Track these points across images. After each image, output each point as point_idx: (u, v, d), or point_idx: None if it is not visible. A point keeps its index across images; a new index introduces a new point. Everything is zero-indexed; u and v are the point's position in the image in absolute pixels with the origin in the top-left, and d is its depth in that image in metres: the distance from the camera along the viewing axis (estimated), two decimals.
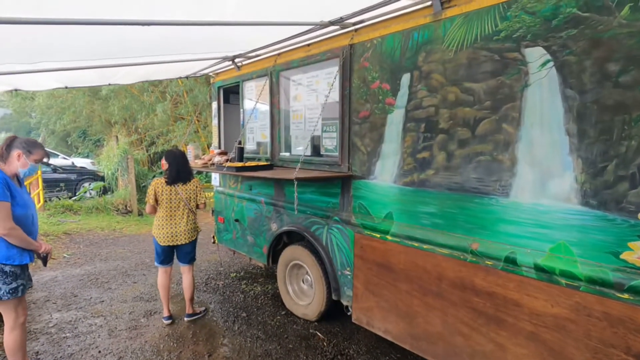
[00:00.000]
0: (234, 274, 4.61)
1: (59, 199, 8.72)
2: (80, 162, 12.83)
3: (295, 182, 2.46)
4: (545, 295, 1.80)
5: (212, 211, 4.65)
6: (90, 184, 10.01)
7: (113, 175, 10.01)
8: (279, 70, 3.39)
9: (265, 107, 3.60)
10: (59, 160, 12.09)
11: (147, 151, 12.06)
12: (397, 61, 2.39)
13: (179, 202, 3.20)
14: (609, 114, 1.60)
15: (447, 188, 2.19)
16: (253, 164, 3.27)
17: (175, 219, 3.20)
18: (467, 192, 2.10)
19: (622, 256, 1.59)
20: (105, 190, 9.91)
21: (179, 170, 3.18)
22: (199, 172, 9.40)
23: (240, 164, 3.19)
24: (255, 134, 3.81)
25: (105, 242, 6.32)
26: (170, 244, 3.21)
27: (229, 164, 3.20)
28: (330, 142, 2.94)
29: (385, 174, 2.53)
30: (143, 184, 10.06)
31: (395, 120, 2.44)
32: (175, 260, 3.40)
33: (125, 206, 8.82)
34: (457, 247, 2.15)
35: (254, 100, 3.72)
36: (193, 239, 3.27)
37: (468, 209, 2.10)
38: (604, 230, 1.63)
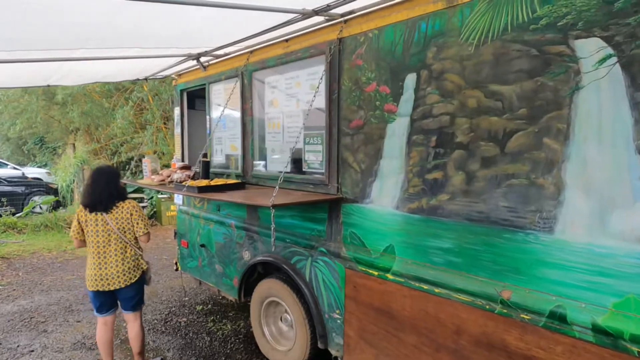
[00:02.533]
0: (200, 307, 3.97)
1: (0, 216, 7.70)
2: (34, 172, 11.65)
3: (273, 210, 1.93)
4: None
5: (175, 233, 4.01)
6: (39, 198, 8.98)
7: (68, 187, 9.06)
8: (251, 71, 2.86)
9: (235, 114, 3.05)
10: (7, 171, 10.90)
11: (110, 160, 11.16)
12: (400, 58, 1.93)
13: (109, 235, 2.52)
14: None
15: (466, 218, 1.72)
16: (220, 182, 2.70)
17: (105, 257, 2.52)
18: (494, 225, 1.64)
19: None
20: (58, 205, 8.93)
21: (98, 193, 2.48)
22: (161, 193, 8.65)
23: (204, 182, 2.62)
24: (224, 145, 3.25)
25: (52, 267, 5.49)
26: (100, 289, 2.53)
27: (190, 182, 2.62)
28: (314, 157, 2.43)
29: (385, 197, 2.04)
30: None
31: (397, 132, 1.97)
32: None
33: None
34: (481, 294, 1.68)
35: (223, 105, 3.17)
36: (133, 280, 2.57)
37: (496, 246, 1.64)
38: None
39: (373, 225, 2.12)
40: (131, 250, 2.59)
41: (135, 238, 2.62)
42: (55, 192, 9.22)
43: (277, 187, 2.03)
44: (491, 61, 1.61)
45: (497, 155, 1.61)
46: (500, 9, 1.57)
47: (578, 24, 1.38)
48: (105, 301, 2.62)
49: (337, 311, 2.34)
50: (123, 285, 2.55)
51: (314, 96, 2.26)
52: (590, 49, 1.36)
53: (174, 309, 3.94)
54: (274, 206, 1.89)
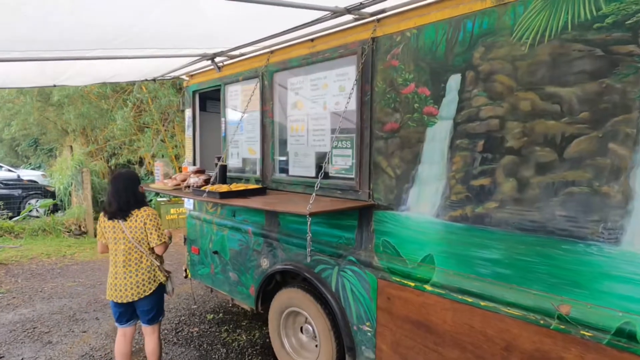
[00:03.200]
0: (211, 315, 3.83)
1: None
2: (29, 174, 11.40)
3: (309, 219, 1.82)
4: None
5: (185, 239, 3.88)
6: (37, 201, 8.75)
7: (66, 190, 8.83)
8: (272, 71, 2.75)
9: (254, 116, 2.94)
10: (3, 173, 10.65)
11: (107, 162, 10.95)
12: (442, 59, 1.83)
13: (125, 244, 2.40)
14: None
15: (518, 227, 1.63)
16: (241, 187, 2.58)
17: (120, 267, 2.41)
18: (550, 235, 1.54)
19: None
20: (56, 208, 8.71)
21: (116, 199, 2.37)
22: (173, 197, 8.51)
23: (224, 188, 2.50)
24: (241, 148, 3.13)
25: (51, 273, 5.31)
26: (115, 300, 2.42)
27: (210, 187, 2.50)
28: (343, 161, 2.33)
29: (423, 204, 1.94)
30: (102, 199, 8.95)
31: (438, 135, 1.87)
32: None
33: (79, 226, 7.73)
34: (535, 309, 1.58)
35: (240, 107, 3.06)
36: (147, 293, 2.44)
37: (552, 258, 1.54)
38: None
39: (409, 233, 2.01)
40: (147, 261, 2.46)
41: (148, 249, 2.48)
42: (52, 195, 9.00)
43: (314, 194, 1.91)
44: (548, 62, 1.51)
45: (554, 161, 1.52)
46: (559, 7, 1.48)
47: None
48: (124, 311, 2.50)
49: (368, 323, 2.23)
50: (136, 298, 2.42)
51: (346, 98, 2.15)
52: None
53: (183, 317, 3.80)
54: (312, 214, 1.78)
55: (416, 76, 1.93)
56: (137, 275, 2.42)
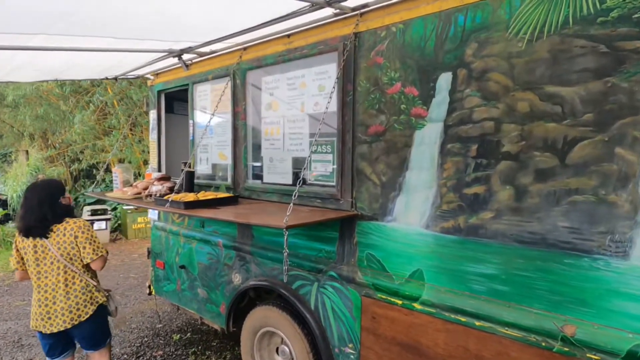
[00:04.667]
0: (178, 336, 3.51)
1: None
2: None
3: (286, 233, 1.60)
4: None
5: (148, 252, 3.55)
6: None
7: (20, 198, 8.14)
8: (245, 69, 2.53)
9: (225, 118, 2.70)
10: None
11: (68, 168, 10.25)
12: (431, 56, 1.68)
13: (52, 264, 2.08)
14: None
15: (516, 240, 1.49)
16: (210, 195, 2.33)
17: (48, 292, 2.09)
18: (552, 248, 1.41)
19: None
20: (7, 218, 7.99)
21: (30, 214, 2.05)
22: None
23: (191, 197, 2.24)
24: (211, 153, 2.87)
25: None
26: (42, 330, 2.09)
27: (173, 196, 2.23)
28: (323, 167, 2.13)
29: (411, 214, 1.78)
30: None
31: (427, 139, 1.71)
32: None
33: None
34: (536, 330, 1.44)
35: (210, 108, 2.81)
36: (84, 318, 2.13)
37: (555, 273, 1.40)
38: None
39: (396, 246, 1.84)
40: (81, 281, 2.14)
41: (87, 265, 2.17)
42: (4, 204, 8.26)
43: (291, 204, 1.70)
44: (548, 59, 1.39)
45: (555, 167, 1.39)
46: (559, 0, 1.36)
47: None
48: (56, 342, 2.17)
49: (350, 345, 2.03)
50: (69, 326, 2.10)
51: (328, 98, 1.97)
52: None
53: (146, 339, 3.46)
54: (289, 227, 1.57)
55: (403, 75, 1.78)
56: (69, 299, 2.10)
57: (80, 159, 10.08)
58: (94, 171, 10.12)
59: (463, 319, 1.62)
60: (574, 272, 1.37)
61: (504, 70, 1.49)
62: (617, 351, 1.28)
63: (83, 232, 2.11)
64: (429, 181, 1.71)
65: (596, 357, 1.32)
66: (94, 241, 2.15)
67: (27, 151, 9.61)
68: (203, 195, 2.30)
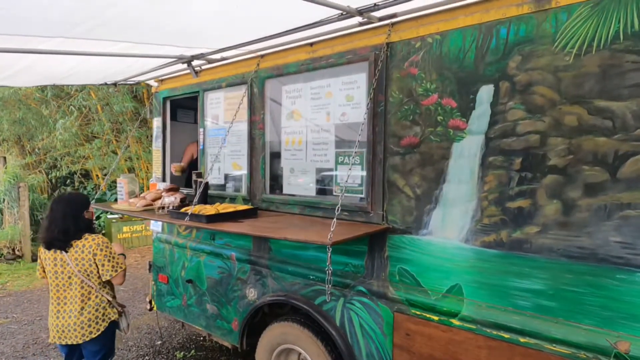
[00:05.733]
0: (181, 353, 3.34)
1: None
2: None
3: (329, 250, 1.53)
4: None
5: (150, 266, 3.38)
6: None
7: None
8: (264, 78, 2.46)
9: (240, 127, 2.61)
10: None
11: (47, 175, 9.80)
12: (471, 68, 1.67)
13: (70, 278, 2.09)
14: None
15: (564, 255, 1.47)
16: (230, 207, 2.23)
17: (63, 305, 2.11)
18: (603, 263, 1.39)
19: None
20: None
21: (53, 227, 2.06)
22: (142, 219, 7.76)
23: (210, 209, 2.13)
24: (224, 163, 2.77)
25: None
26: (58, 342, 2.11)
27: (192, 209, 2.12)
28: (351, 179, 2.08)
29: (449, 228, 1.74)
30: (41, 217, 7.90)
31: (466, 152, 1.69)
32: None
33: (13, 249, 6.72)
34: (587, 347, 1.42)
35: (223, 117, 2.72)
36: (94, 335, 2.11)
37: (606, 289, 1.39)
38: None
39: (432, 260, 1.80)
40: (96, 297, 2.13)
41: (105, 282, 2.16)
42: None
43: (334, 219, 1.63)
44: (597, 73, 1.39)
45: (606, 181, 1.38)
46: (608, 15, 1.37)
47: None
48: (70, 354, 2.19)
49: None
50: (80, 341, 2.09)
51: (357, 108, 1.92)
52: None
53: (147, 357, 3.28)
54: (334, 244, 1.50)
55: (440, 86, 1.75)
56: (81, 314, 2.09)
57: (59, 166, 9.67)
58: (75, 177, 9.71)
59: (506, 336, 1.58)
60: (627, 287, 1.35)
61: (550, 83, 1.48)
62: None
63: (102, 250, 2.10)
64: (469, 194, 1.68)
65: None
66: (113, 258, 2.14)
67: (4, 157, 9.11)
68: (222, 208, 2.20)
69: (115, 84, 3.54)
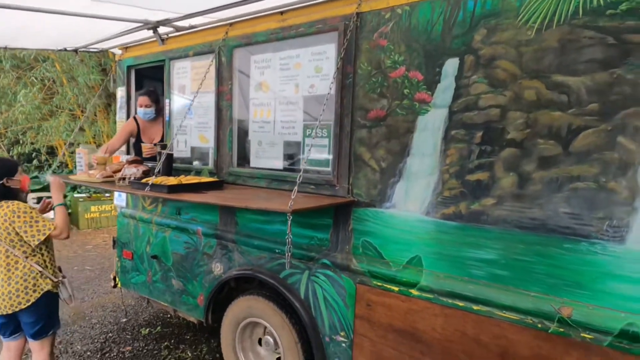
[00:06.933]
0: (146, 330, 3.30)
1: None
2: None
3: (290, 217, 1.52)
4: None
5: (114, 242, 3.28)
6: None
7: None
8: (232, 47, 2.38)
9: (207, 98, 2.52)
10: None
11: (8, 152, 9.27)
12: (438, 40, 1.66)
13: None
14: None
15: (517, 226, 1.52)
16: (194, 179, 2.18)
17: None
18: (552, 233, 1.45)
19: None
20: None
21: None
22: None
23: (173, 181, 2.07)
24: (190, 135, 2.68)
25: None
26: None
27: (153, 179, 2.05)
28: (318, 152, 2.06)
29: (411, 201, 1.76)
30: None
31: (430, 125, 1.70)
32: None
33: None
34: (534, 312, 1.49)
35: (190, 87, 2.62)
36: (24, 306, 2.03)
37: (553, 257, 1.46)
38: None
39: (394, 233, 1.82)
40: (24, 267, 2.03)
41: (35, 249, 2.06)
42: None
43: (296, 188, 1.61)
44: (556, 48, 1.42)
45: (559, 155, 1.43)
46: None
47: None
48: (7, 322, 2.10)
49: (343, 333, 2.00)
50: (9, 311, 2.01)
51: (325, 80, 1.89)
52: None
53: (111, 334, 3.21)
54: (294, 211, 1.49)
55: (407, 58, 1.74)
56: (9, 284, 2.01)
57: (22, 141, 9.16)
58: (40, 154, 9.25)
59: (461, 304, 1.64)
60: (572, 256, 1.42)
61: (512, 57, 1.50)
62: (610, 330, 1.35)
63: (19, 217, 1.98)
64: (431, 167, 1.70)
65: (590, 336, 1.38)
66: (36, 221, 2.01)
67: None
68: (186, 180, 2.14)
69: (76, 51, 3.33)
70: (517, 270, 1.53)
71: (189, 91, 2.62)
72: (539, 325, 1.48)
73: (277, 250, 2.20)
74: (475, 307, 1.61)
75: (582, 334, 1.40)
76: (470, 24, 1.58)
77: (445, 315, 1.68)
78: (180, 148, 2.73)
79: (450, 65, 1.64)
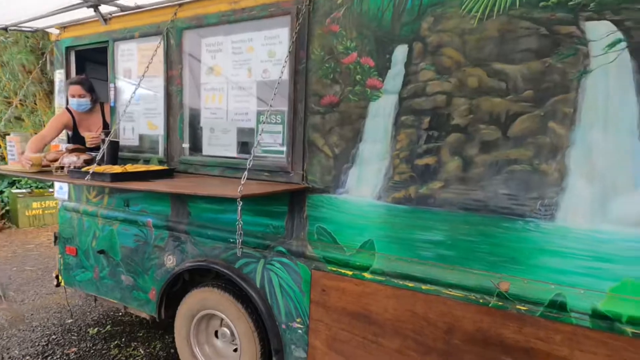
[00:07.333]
0: (95, 329, 3.12)
1: None
2: None
3: (240, 204, 1.48)
4: (606, 350, 1.37)
5: (55, 238, 3.05)
6: None
7: None
8: (182, 28, 2.26)
9: (155, 83, 2.40)
10: None
11: None
12: (388, 27, 1.69)
13: None
14: None
15: (461, 207, 1.59)
16: (141, 167, 2.06)
17: None
18: (492, 214, 1.54)
19: None
20: None
21: None
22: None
23: (118, 169, 1.95)
24: (138, 122, 2.54)
25: None
26: None
27: (95, 168, 1.92)
28: (271, 139, 2.03)
29: (364, 186, 1.79)
30: None
31: (381, 111, 1.73)
32: None
33: None
34: (476, 289, 1.57)
35: (136, 71, 2.47)
36: None
37: (493, 237, 1.54)
38: None
39: (348, 218, 1.84)
40: None
41: None
42: None
43: (245, 173, 1.57)
44: (496, 38, 1.49)
45: (498, 139, 1.51)
46: None
47: (590, 4, 1.34)
48: None
49: (299, 320, 2.01)
50: None
51: (278, 65, 1.86)
52: (600, 32, 1.34)
53: (54, 337, 3.00)
54: (244, 197, 1.45)
55: (359, 44, 1.75)
56: None
57: None
58: None
59: (411, 285, 1.70)
60: (510, 235, 1.51)
61: (457, 45, 1.56)
62: (541, 301, 1.46)
63: None
64: (383, 153, 1.74)
65: (524, 308, 1.49)
66: None
67: None
68: (133, 169, 2.02)
69: (5, 29, 3.02)
70: (461, 250, 1.61)
71: (136, 75, 2.47)
72: (481, 301, 1.57)
73: (231, 240, 2.15)
74: (424, 287, 1.67)
75: (517, 306, 1.50)
76: (418, 12, 1.62)
77: (397, 297, 1.74)
78: (127, 136, 2.58)
79: (400, 52, 1.67)
